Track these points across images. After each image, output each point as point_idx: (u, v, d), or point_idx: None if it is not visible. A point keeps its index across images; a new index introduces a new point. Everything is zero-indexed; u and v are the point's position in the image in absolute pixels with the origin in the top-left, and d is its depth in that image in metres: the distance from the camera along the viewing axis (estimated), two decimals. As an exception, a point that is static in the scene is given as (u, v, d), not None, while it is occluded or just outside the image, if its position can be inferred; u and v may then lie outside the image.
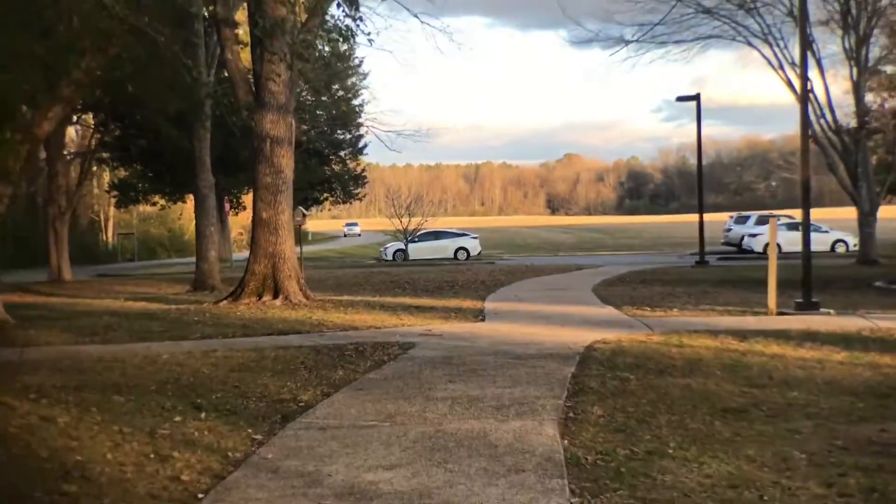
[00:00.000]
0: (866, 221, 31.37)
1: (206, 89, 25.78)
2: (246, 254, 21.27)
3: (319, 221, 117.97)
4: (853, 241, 38.92)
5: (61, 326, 16.12)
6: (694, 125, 34.90)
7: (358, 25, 20.41)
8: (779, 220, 28.68)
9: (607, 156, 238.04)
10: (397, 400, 8.35)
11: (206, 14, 26.16)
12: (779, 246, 19.83)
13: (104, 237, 65.84)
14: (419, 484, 5.69)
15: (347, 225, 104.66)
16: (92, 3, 16.49)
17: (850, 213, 34.93)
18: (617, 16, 54.49)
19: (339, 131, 56.24)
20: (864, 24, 30.39)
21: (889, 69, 33.37)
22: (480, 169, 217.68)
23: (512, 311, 16.80)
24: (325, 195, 58.52)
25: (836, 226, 43.36)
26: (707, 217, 35.58)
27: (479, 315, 16.26)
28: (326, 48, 27.62)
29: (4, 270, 38.54)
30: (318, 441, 6.87)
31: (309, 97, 48.89)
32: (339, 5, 20.32)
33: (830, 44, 36.17)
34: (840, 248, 41.10)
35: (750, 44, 31.12)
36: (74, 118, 38.49)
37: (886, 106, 33.58)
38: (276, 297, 19.28)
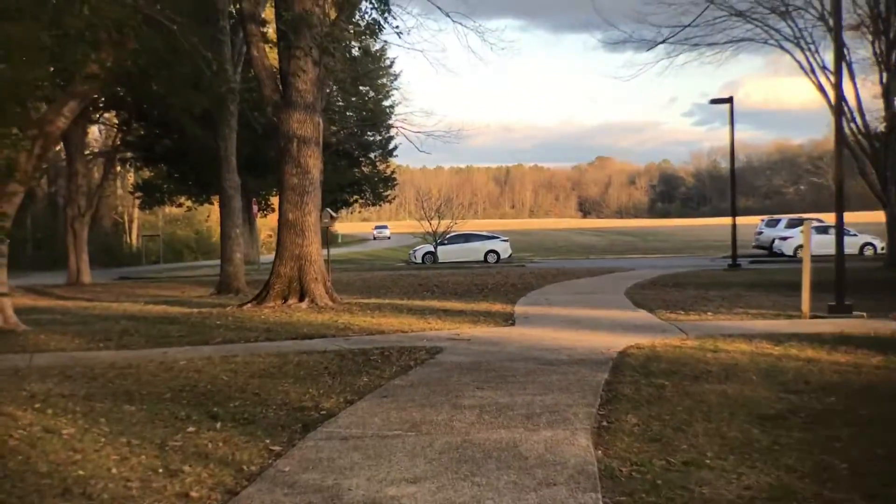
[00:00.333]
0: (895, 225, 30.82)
1: (229, 85, 25.53)
2: (273, 256, 21.10)
3: (349, 224, 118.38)
4: (881, 244, 38.72)
5: (74, 331, 15.74)
6: (725, 129, 34.86)
7: (385, 19, 20.21)
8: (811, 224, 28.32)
9: (639, 159, 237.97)
10: (423, 408, 8.04)
11: (232, 11, 26.05)
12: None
13: (128, 239, 65.83)
14: (444, 499, 5.37)
15: (377, 227, 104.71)
16: None
17: (876, 216, 34.56)
18: (651, 17, 54.11)
19: (368, 133, 56.12)
20: (894, 28, 30.09)
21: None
22: (511, 171, 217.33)
23: (542, 315, 16.47)
24: (355, 197, 58.48)
25: (863, 229, 42.96)
26: (738, 220, 35.26)
27: (509, 319, 15.93)
28: (354, 44, 27.39)
29: (24, 272, 38.66)
30: (339, 452, 6.56)
31: (339, 99, 48.79)
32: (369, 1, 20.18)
33: (860, 48, 35.75)
34: (868, 252, 40.98)
35: (781, 47, 31.01)
36: (96, 116, 38.34)
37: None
38: (301, 300, 19.06)
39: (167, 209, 60.48)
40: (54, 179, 49.10)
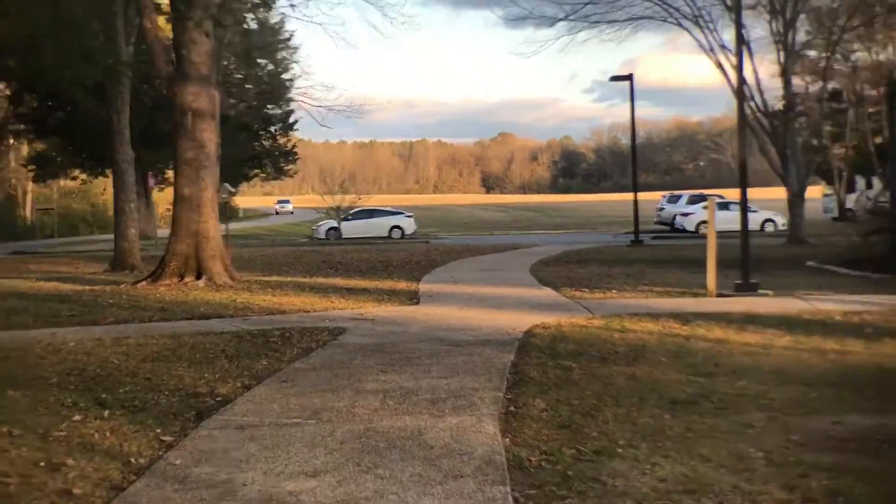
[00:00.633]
0: (795, 202, 31.93)
1: (118, 57, 24.58)
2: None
3: (251, 198, 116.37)
4: (782, 220, 39.71)
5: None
6: (625, 106, 35.05)
7: None
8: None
9: (541, 135, 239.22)
10: (324, 393, 7.72)
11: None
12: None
13: (22, 213, 63.60)
14: (345, 494, 5.07)
15: (279, 202, 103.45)
16: None
17: (775, 192, 35.47)
18: (551, -7, 54.07)
19: (269, 106, 55.11)
20: (790, 8, 30.98)
21: (814, 53, 34.05)
22: (415, 147, 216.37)
23: (448, 294, 16.27)
24: (255, 171, 57.59)
25: (762, 206, 43.89)
26: (639, 196, 35.71)
27: (414, 298, 15.67)
28: (249, 16, 26.68)
29: None
30: (234, 443, 6.19)
31: (237, 72, 47.73)
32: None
33: (757, 27, 36.70)
34: (769, 228, 41.79)
35: (681, 25, 31.29)
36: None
37: (811, 90, 34.34)
38: (198, 278, 18.49)
39: (62, 182, 58.52)
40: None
